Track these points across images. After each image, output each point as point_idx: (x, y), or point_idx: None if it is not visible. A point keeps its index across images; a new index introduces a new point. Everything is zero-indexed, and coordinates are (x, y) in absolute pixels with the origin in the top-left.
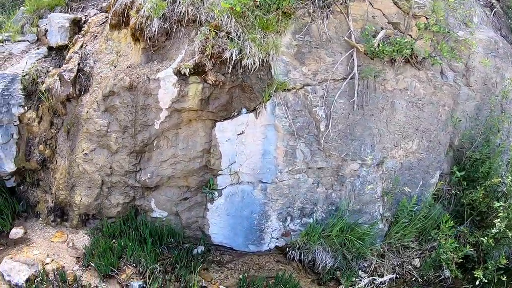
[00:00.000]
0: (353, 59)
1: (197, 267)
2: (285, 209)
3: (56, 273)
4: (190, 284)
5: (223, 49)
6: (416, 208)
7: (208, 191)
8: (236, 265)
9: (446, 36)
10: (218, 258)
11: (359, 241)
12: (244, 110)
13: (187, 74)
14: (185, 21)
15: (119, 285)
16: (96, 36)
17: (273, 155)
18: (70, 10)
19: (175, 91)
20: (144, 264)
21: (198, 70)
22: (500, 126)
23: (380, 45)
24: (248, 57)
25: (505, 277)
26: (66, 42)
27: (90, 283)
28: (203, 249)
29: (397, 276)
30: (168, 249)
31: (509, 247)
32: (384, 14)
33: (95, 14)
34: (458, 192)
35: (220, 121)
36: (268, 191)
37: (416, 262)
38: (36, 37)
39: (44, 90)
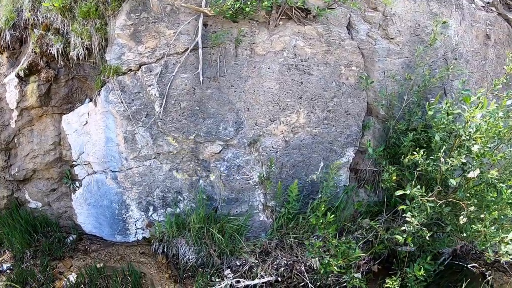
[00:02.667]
0: (199, 27)
1: (65, 254)
2: (143, 198)
3: None
4: (48, 269)
5: (50, 45)
6: (320, 195)
7: (68, 181)
8: (100, 254)
9: None
10: (86, 247)
11: (236, 235)
12: (87, 100)
13: (22, 76)
14: (30, 26)
15: None
16: None
17: (116, 142)
18: None
19: (17, 93)
20: (17, 249)
21: (34, 70)
22: (446, 87)
23: (236, 5)
24: (73, 49)
25: None
26: None
27: None
28: (74, 238)
29: (279, 279)
30: (46, 237)
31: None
32: None
33: None
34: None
35: (65, 113)
36: (119, 180)
37: (313, 262)
38: None
39: None
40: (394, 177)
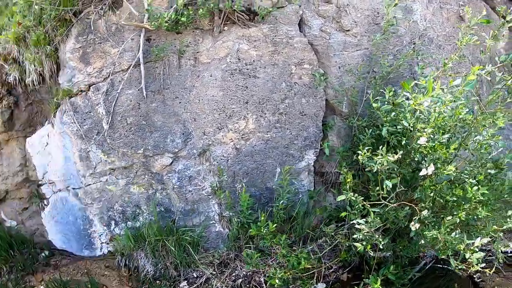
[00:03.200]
0: (140, 43)
1: (37, 269)
2: (105, 213)
3: None
4: (21, 283)
5: (8, 74)
6: (283, 201)
7: (37, 200)
8: (68, 268)
9: None
10: (57, 262)
11: (193, 246)
12: (47, 122)
13: None
14: None
15: None
16: None
17: (73, 160)
18: None
19: None
20: None
21: None
22: (416, 76)
23: (172, 16)
24: (28, 75)
25: None
26: None
27: None
28: (47, 254)
29: None
30: (21, 254)
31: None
32: None
33: None
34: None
35: (28, 136)
36: (80, 196)
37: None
38: None
39: None
40: (349, 179)
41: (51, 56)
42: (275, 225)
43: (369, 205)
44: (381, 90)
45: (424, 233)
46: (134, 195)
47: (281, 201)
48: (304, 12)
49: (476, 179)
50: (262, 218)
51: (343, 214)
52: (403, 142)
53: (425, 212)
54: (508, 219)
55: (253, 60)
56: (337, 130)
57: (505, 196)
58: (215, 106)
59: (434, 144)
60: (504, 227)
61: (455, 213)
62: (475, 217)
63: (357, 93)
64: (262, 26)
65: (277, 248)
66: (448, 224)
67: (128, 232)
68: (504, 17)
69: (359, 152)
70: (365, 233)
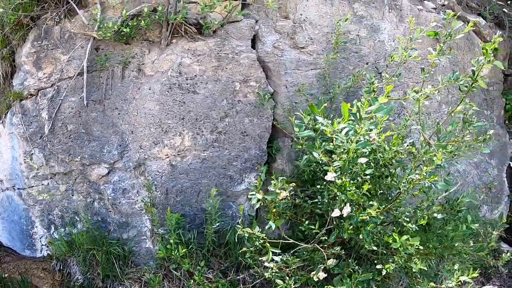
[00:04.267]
0: (87, 51)
1: None
2: (45, 216)
3: None
4: None
5: None
6: (214, 225)
7: None
8: (9, 265)
9: None
10: (0, 258)
11: (121, 261)
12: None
13: None
14: None
15: None
16: None
17: (19, 161)
18: None
19: None
20: None
21: None
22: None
23: (115, 27)
24: None
25: None
26: None
27: None
28: None
29: None
30: None
31: None
32: None
33: None
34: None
35: None
36: (24, 197)
37: None
38: None
39: None
40: (273, 210)
41: (6, 58)
42: (184, 250)
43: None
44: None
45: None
46: (74, 201)
47: (213, 225)
48: (260, 28)
49: (418, 223)
50: (173, 240)
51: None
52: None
53: (331, 262)
54: (453, 275)
55: (195, 75)
56: (287, 154)
57: (456, 245)
58: (152, 120)
59: (343, 182)
60: (443, 286)
61: (382, 263)
62: (408, 271)
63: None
64: (209, 40)
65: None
66: (357, 278)
67: (63, 238)
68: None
69: (272, 181)
70: (273, 273)
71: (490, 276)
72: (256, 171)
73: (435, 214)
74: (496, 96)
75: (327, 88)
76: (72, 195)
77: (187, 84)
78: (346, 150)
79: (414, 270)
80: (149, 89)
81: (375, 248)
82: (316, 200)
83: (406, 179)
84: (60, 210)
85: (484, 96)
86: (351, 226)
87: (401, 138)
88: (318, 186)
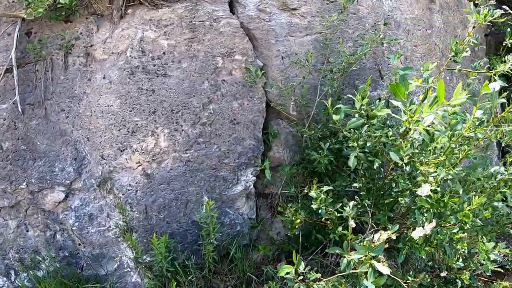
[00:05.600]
0: (14, 38)
1: None
2: (0, 262)
3: None
4: None
5: None
6: (212, 241)
7: None
8: None
9: None
10: None
11: None
12: None
13: None
14: None
15: None
16: None
17: None
18: None
19: None
20: None
21: None
22: (382, 67)
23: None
24: None
25: None
26: None
27: None
28: None
29: None
30: None
31: None
32: None
33: None
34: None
35: None
36: None
37: None
38: None
39: None
40: (298, 221)
41: None
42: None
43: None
44: (341, 88)
45: None
46: (30, 238)
47: (210, 241)
48: None
49: (480, 216)
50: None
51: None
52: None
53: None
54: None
55: (163, 53)
56: (284, 138)
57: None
58: (112, 119)
59: (441, 197)
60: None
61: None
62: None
63: (308, 91)
64: (177, 6)
65: None
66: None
67: (25, 285)
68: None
69: (311, 194)
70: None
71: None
72: (253, 165)
73: (495, 203)
74: (481, 57)
75: (325, 56)
76: (27, 231)
77: (154, 65)
78: (444, 149)
79: (487, 273)
80: (104, 78)
81: (462, 264)
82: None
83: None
84: (16, 251)
85: (471, 57)
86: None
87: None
88: (356, 184)
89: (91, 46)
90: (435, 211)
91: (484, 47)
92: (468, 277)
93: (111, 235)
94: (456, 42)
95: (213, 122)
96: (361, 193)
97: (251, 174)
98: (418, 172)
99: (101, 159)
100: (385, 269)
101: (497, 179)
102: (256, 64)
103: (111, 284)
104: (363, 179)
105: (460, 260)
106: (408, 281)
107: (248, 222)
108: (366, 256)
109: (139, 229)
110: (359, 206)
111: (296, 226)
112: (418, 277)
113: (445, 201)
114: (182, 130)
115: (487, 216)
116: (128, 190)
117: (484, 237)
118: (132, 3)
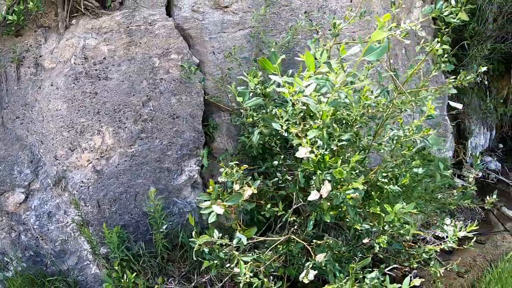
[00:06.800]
0: None
1: None
2: None
3: None
4: None
5: None
6: (165, 228)
7: None
8: None
9: None
10: None
11: None
12: None
13: None
14: None
15: None
16: None
17: None
18: None
19: None
20: None
21: None
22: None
23: (6, 15)
24: None
25: None
26: None
27: None
28: None
29: None
30: None
31: None
32: None
33: None
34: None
35: None
36: None
37: None
38: None
39: None
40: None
41: None
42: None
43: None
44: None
45: None
46: None
47: (160, 229)
48: None
49: (399, 183)
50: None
51: (205, 263)
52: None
53: (320, 257)
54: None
55: (104, 58)
56: (226, 129)
57: (438, 196)
58: (62, 122)
59: (320, 157)
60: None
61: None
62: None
63: (244, 83)
64: (115, 14)
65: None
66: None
67: (8, 283)
68: None
69: (222, 169)
70: (247, 278)
71: (454, 213)
72: (195, 156)
73: (415, 170)
74: (429, 40)
75: (259, 48)
76: None
77: (96, 70)
78: (320, 115)
79: (408, 237)
80: (51, 85)
81: (367, 226)
82: (276, 179)
83: (389, 136)
84: None
85: (418, 40)
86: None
87: (368, 89)
88: (276, 162)
89: (40, 56)
90: (326, 173)
91: (432, 28)
92: (385, 241)
93: (69, 230)
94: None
95: (153, 118)
96: (283, 169)
97: (195, 164)
98: (290, 135)
99: (54, 159)
100: (218, 209)
101: (394, 142)
102: (192, 61)
103: (73, 277)
104: (280, 155)
105: (372, 223)
106: (312, 243)
107: (197, 210)
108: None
109: (94, 223)
110: (280, 181)
111: (229, 211)
112: (323, 240)
113: (325, 162)
114: (125, 127)
115: (405, 182)
116: (81, 186)
117: (406, 203)
118: (76, 14)
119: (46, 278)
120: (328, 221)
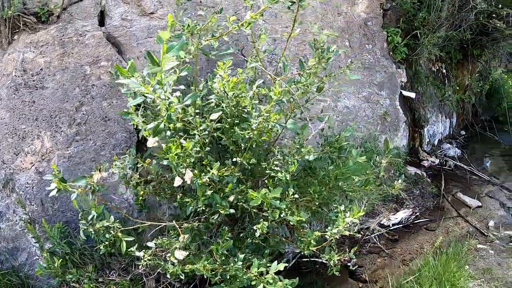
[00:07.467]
0: None
1: None
2: None
3: None
4: None
5: None
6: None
7: None
8: None
9: None
10: None
11: None
12: None
13: None
14: None
15: None
16: None
17: None
18: None
19: None
20: None
21: None
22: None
23: None
24: None
25: None
26: None
27: None
28: None
29: None
30: None
31: None
32: None
33: None
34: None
35: None
36: None
37: None
38: None
39: None
40: (142, 193)
41: None
42: (60, 260)
43: None
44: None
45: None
46: None
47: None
48: (107, 2)
49: (288, 171)
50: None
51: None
52: None
53: (183, 238)
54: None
55: (41, 69)
56: None
57: (340, 184)
58: (6, 129)
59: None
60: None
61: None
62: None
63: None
64: (50, 28)
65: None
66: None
67: None
68: None
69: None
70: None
71: (403, 201)
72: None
73: (306, 156)
74: (377, 31)
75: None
76: None
77: (34, 80)
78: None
79: (292, 223)
80: None
81: (232, 211)
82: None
83: (248, 125)
84: None
85: (364, 32)
86: (202, 193)
87: (249, 82)
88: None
89: None
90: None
91: (381, 19)
92: (265, 226)
93: (18, 228)
94: None
95: (87, 121)
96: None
97: (128, 163)
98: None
99: (2, 163)
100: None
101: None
102: (113, 68)
103: (24, 273)
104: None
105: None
106: (182, 226)
107: (135, 206)
108: None
109: (40, 220)
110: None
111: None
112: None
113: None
114: (62, 131)
115: (293, 170)
116: (26, 187)
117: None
118: (17, 30)
119: (1, 274)
120: (200, 206)
